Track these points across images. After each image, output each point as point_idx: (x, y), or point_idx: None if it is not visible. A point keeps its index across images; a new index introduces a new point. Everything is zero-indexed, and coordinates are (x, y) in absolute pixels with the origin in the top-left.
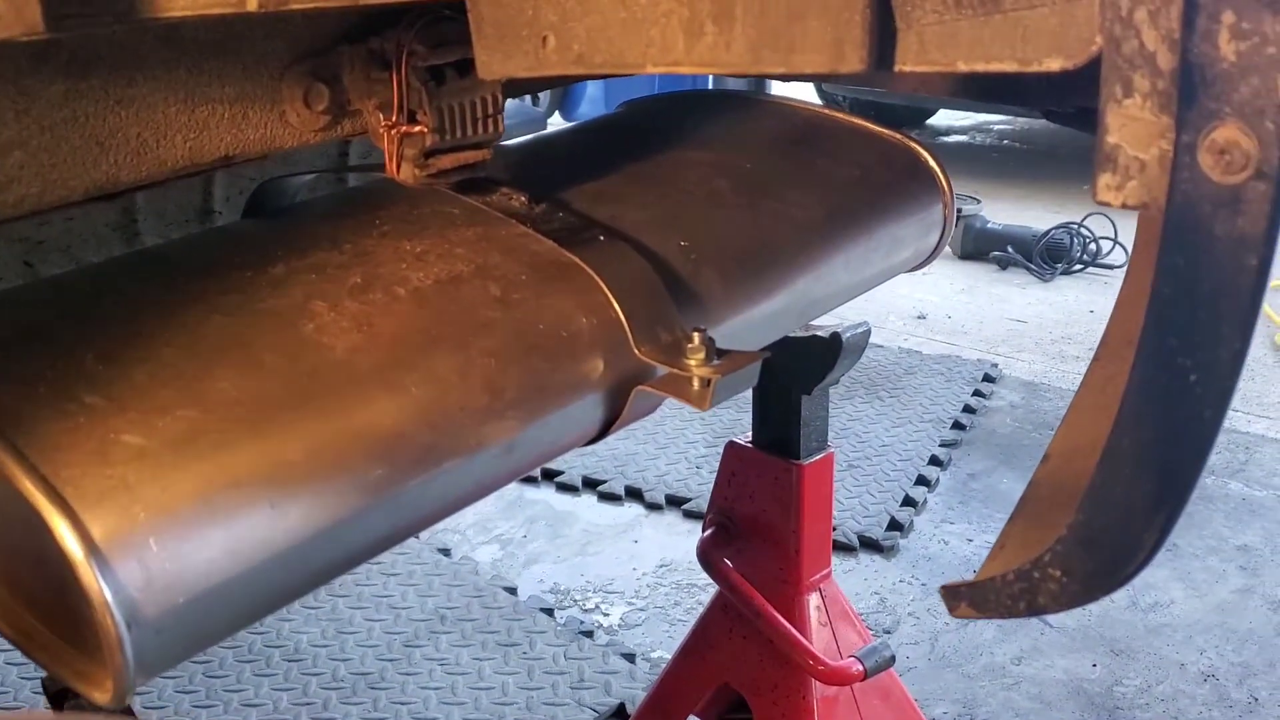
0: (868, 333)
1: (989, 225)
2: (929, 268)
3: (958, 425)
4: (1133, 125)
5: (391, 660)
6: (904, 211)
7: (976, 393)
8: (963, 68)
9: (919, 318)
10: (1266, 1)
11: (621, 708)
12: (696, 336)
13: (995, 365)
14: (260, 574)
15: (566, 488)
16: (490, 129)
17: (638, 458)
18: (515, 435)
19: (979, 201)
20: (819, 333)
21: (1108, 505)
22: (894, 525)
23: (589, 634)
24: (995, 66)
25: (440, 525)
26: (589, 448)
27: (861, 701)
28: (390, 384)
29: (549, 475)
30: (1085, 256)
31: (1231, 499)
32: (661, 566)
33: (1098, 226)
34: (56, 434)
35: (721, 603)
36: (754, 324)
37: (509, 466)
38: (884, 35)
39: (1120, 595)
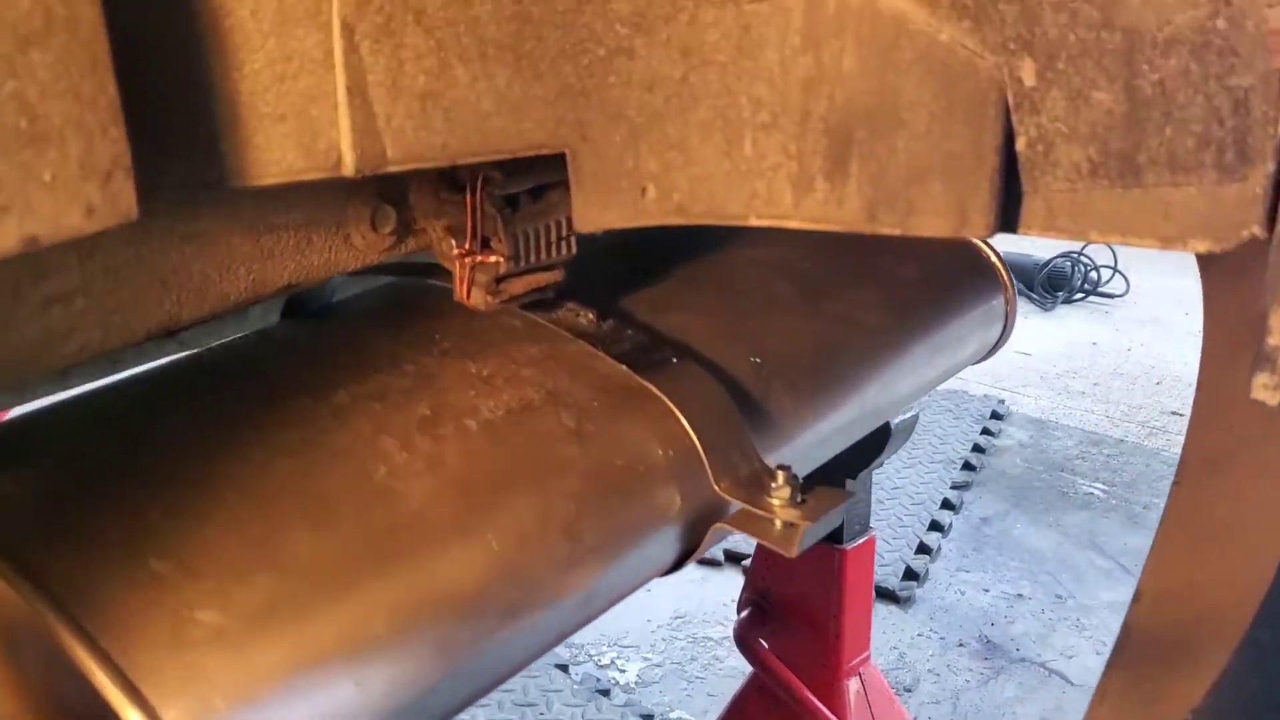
0: (915, 418)
1: None
2: None
3: (968, 465)
4: None
5: None
6: (967, 308)
7: (985, 430)
8: (1095, 239)
9: None
10: None
11: None
12: (781, 475)
13: (1002, 401)
14: None
15: None
16: (563, 252)
17: None
18: (593, 582)
19: None
20: None
21: (1235, 702)
22: (910, 575)
23: (605, 692)
24: (1134, 242)
25: None
26: None
27: None
28: (470, 537)
29: None
30: (1086, 285)
31: None
32: (676, 618)
33: (1098, 255)
34: (127, 610)
35: (757, 684)
36: (824, 438)
37: (585, 613)
38: (1009, 201)
39: None
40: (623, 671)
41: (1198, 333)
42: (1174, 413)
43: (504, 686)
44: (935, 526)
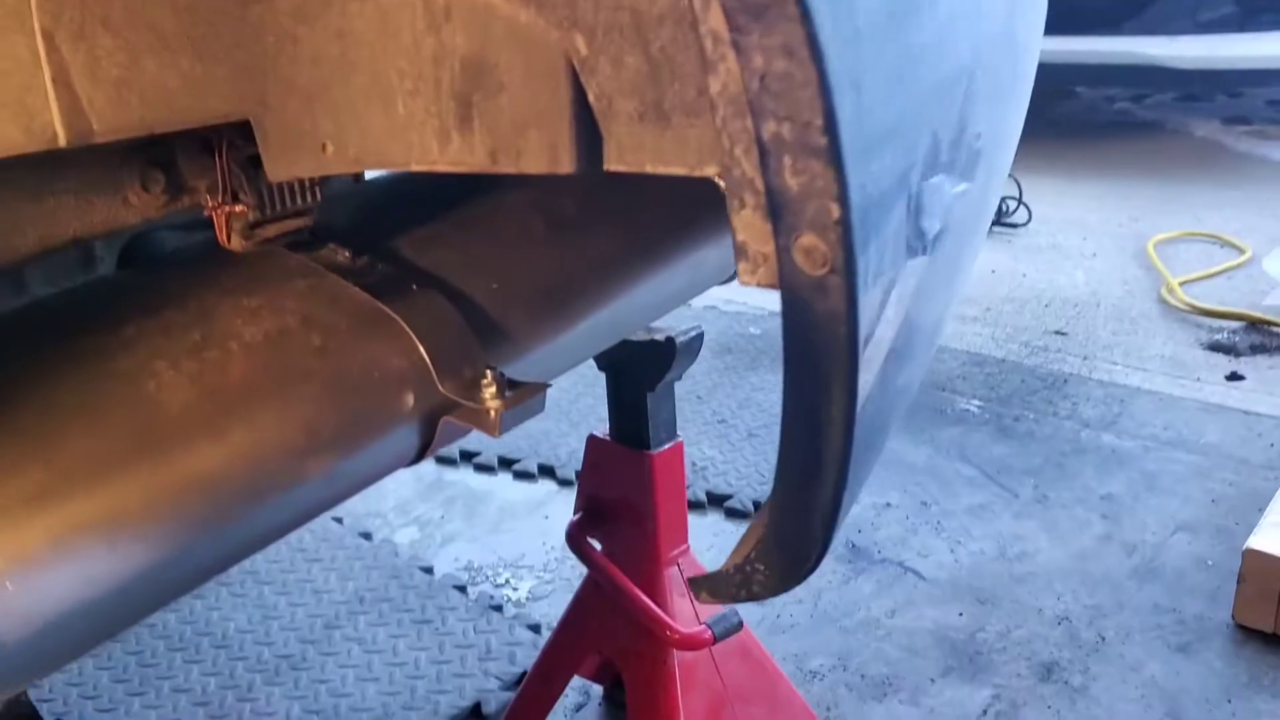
0: (700, 336)
1: None
2: None
3: None
4: (751, 229)
5: (313, 642)
6: (705, 236)
7: None
8: (650, 169)
9: None
10: (811, 150)
11: (524, 676)
12: (489, 374)
13: None
14: (102, 603)
15: (483, 468)
16: (310, 199)
17: (550, 435)
18: (332, 468)
19: None
20: (657, 336)
21: (786, 516)
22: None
23: (498, 608)
24: (673, 170)
25: (362, 510)
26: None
27: (721, 663)
28: (218, 432)
29: (467, 457)
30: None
31: (1102, 450)
32: None
33: (1006, 188)
34: None
35: (592, 580)
36: (564, 349)
37: (330, 493)
38: (594, 142)
39: (989, 546)
40: (516, 590)
41: (1092, 256)
42: (1057, 332)
43: (403, 606)
44: None
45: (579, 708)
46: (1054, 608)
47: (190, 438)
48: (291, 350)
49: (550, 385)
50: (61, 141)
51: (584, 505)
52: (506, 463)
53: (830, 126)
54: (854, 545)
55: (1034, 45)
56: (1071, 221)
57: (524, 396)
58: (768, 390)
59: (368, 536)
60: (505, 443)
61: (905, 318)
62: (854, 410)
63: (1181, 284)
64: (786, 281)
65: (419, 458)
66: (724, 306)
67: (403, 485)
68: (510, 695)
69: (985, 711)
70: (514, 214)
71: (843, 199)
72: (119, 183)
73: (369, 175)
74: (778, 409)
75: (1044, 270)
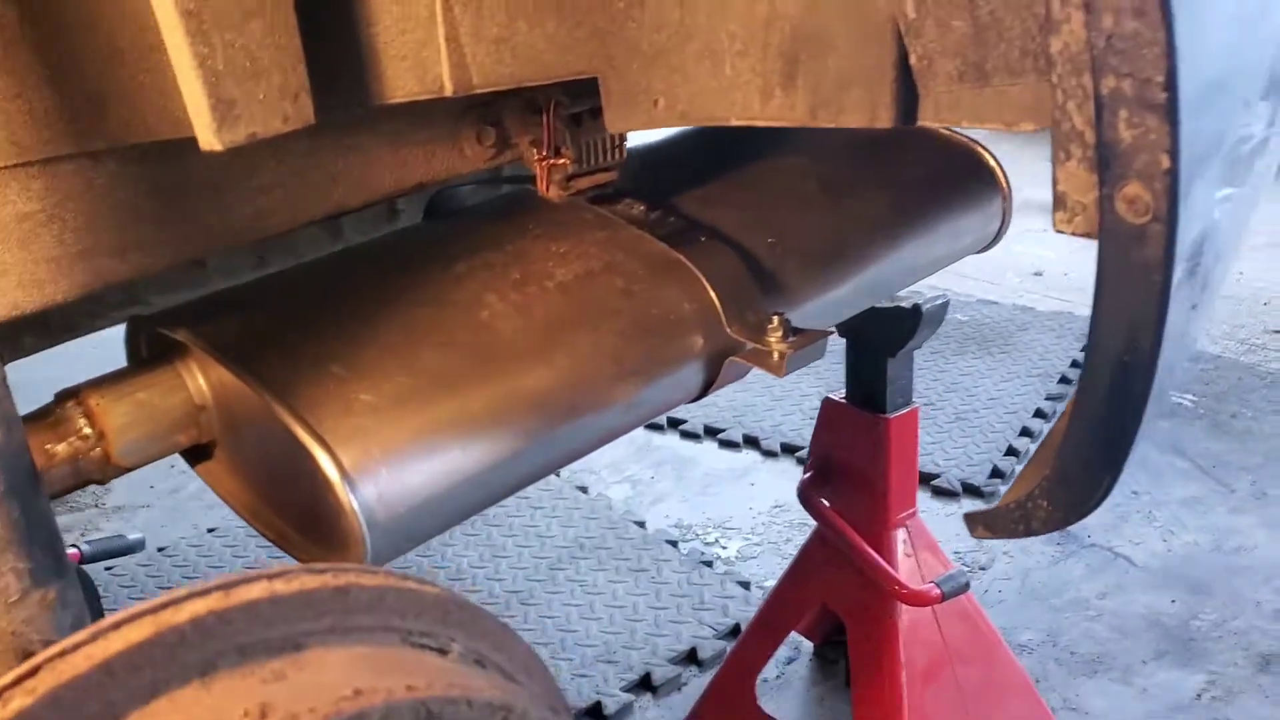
0: (946, 304)
1: None
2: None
3: (1065, 380)
4: (1073, 179)
5: (539, 581)
6: (964, 206)
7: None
8: (965, 126)
9: (1035, 274)
10: (1149, 105)
11: (736, 627)
12: (775, 319)
13: None
14: (455, 492)
15: (690, 435)
16: (617, 156)
17: (755, 409)
18: (634, 395)
19: None
20: (903, 304)
21: (1076, 454)
22: (996, 473)
23: (709, 564)
24: (989, 127)
25: (578, 466)
26: (708, 400)
27: (943, 623)
28: (543, 357)
29: (674, 424)
30: None
31: None
32: (775, 507)
33: None
34: (316, 394)
35: (819, 536)
36: (830, 304)
37: (630, 418)
38: (910, 100)
39: (1204, 539)
40: (725, 548)
41: None
42: (1276, 331)
43: (619, 555)
44: (1026, 433)
45: (790, 661)
46: (1273, 601)
47: (522, 359)
48: (599, 290)
49: (833, 332)
50: (447, 90)
51: (816, 464)
52: (712, 431)
53: (1171, 83)
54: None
55: None
56: None
57: (808, 340)
58: (975, 376)
59: (584, 490)
60: (710, 412)
61: (1204, 269)
62: (1159, 355)
63: None
64: (1106, 229)
65: (702, 394)
66: (928, 292)
67: (614, 446)
68: (724, 645)
69: (1200, 696)
70: (790, 176)
71: (1173, 151)
72: (458, 136)
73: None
74: (985, 394)
75: (1262, 268)
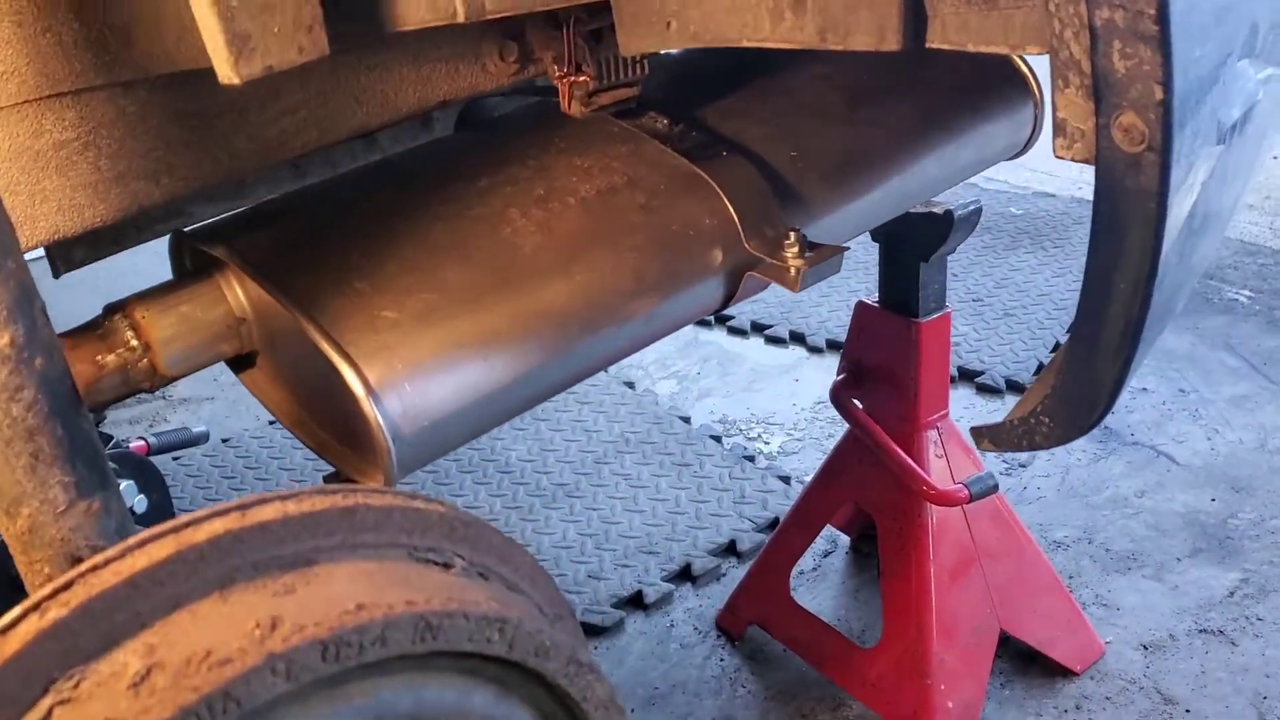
0: (979, 210)
1: None
2: None
3: None
4: (1072, 106)
5: (584, 474)
6: (993, 113)
7: None
8: (971, 48)
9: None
10: (1141, 36)
11: (775, 521)
12: (792, 235)
13: None
14: (477, 406)
15: (736, 331)
16: (638, 72)
17: (802, 305)
18: (653, 310)
19: None
20: (936, 209)
21: (1075, 373)
22: (1041, 369)
23: (751, 459)
24: (995, 49)
25: (625, 362)
26: (756, 296)
27: (972, 523)
28: (564, 272)
29: (721, 320)
30: None
31: None
32: (819, 403)
33: None
34: (342, 311)
35: (853, 436)
36: (854, 216)
37: (648, 332)
38: (919, 23)
39: (1249, 436)
40: (767, 444)
41: None
42: None
43: (664, 450)
44: None
45: (827, 554)
46: None
47: (543, 275)
48: (621, 206)
49: (849, 248)
50: (460, 17)
51: (848, 367)
52: (759, 327)
53: (1162, 14)
54: (1106, 426)
55: None
56: None
57: (823, 256)
58: (1026, 271)
59: (631, 385)
60: (757, 308)
61: (1204, 198)
62: (1154, 280)
63: None
64: (1103, 156)
65: (722, 307)
66: (985, 184)
67: (661, 342)
68: (762, 537)
69: (1233, 593)
70: (811, 87)
71: (1167, 82)
72: (480, 53)
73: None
74: (1035, 290)
75: None
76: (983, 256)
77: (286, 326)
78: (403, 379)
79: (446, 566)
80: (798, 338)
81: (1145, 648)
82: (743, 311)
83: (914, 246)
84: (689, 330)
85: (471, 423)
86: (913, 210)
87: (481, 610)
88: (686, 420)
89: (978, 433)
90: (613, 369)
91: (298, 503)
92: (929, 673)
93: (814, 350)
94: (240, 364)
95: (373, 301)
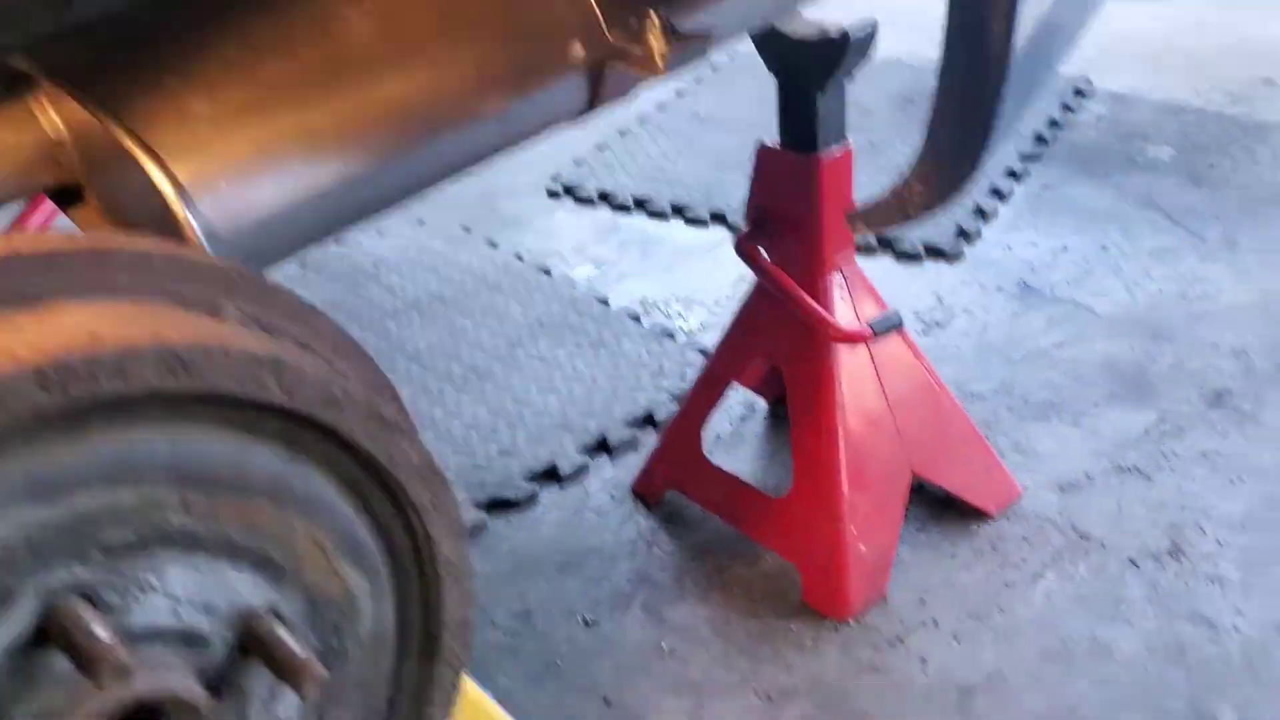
0: (875, 30)
1: None
2: None
3: (1040, 139)
4: None
5: (497, 359)
6: None
7: (1065, 106)
8: None
9: None
10: None
11: None
12: (655, 18)
13: (1089, 80)
14: (306, 208)
15: (657, 214)
16: None
17: (724, 185)
18: (504, 109)
19: None
20: (831, 34)
21: (944, 133)
22: (961, 234)
23: (670, 335)
24: None
25: (540, 249)
26: (675, 178)
27: (882, 372)
28: (398, 67)
29: (640, 204)
30: None
31: None
32: (740, 280)
33: None
34: (150, 109)
35: (759, 289)
36: (735, 9)
37: (504, 135)
38: None
39: (1170, 286)
40: (686, 321)
41: None
42: (1265, 80)
43: (581, 331)
44: (996, 193)
45: (744, 419)
46: (1231, 342)
47: (375, 70)
48: None
49: (712, 37)
50: None
51: (753, 216)
52: (678, 209)
53: None
54: (1026, 284)
55: None
56: None
57: (688, 41)
58: None
59: (547, 272)
60: (677, 191)
61: None
62: (1012, 41)
63: None
64: None
65: (589, 108)
66: (908, 60)
67: (580, 229)
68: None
69: (1148, 432)
70: None
71: None
72: None
73: None
74: None
75: (1259, 20)
76: (906, 129)
77: (105, 145)
78: (218, 177)
79: (215, 314)
80: (719, 217)
81: (1061, 488)
82: (661, 194)
83: (808, 75)
84: (608, 216)
85: (301, 228)
86: (805, 36)
87: (246, 346)
88: (605, 302)
89: (851, 218)
90: (528, 256)
91: (33, 243)
92: (840, 516)
93: (735, 229)
94: (67, 200)
95: (183, 96)
